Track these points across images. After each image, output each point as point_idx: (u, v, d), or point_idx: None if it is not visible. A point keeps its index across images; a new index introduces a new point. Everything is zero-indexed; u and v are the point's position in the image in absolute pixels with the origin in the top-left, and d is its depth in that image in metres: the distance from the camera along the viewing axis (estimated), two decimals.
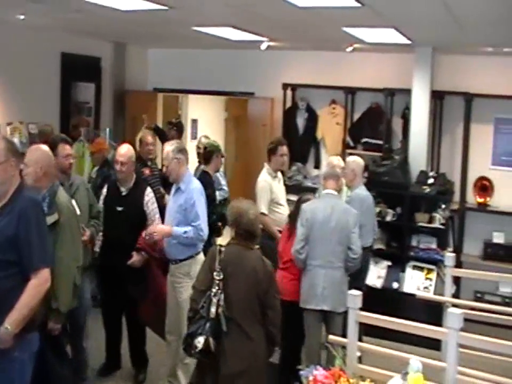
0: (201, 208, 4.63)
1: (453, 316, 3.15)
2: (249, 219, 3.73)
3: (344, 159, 6.53)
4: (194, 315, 3.62)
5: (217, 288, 3.57)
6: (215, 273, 3.60)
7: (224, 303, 3.54)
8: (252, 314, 3.61)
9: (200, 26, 6.57)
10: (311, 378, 3.03)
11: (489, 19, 5.13)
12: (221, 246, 3.75)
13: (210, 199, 5.26)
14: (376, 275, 6.69)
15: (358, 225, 4.87)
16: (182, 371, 4.73)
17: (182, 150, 4.79)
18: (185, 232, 4.58)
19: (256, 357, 3.61)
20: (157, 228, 4.75)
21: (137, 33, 7.72)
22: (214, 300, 3.54)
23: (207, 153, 6.23)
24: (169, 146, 4.78)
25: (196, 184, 4.77)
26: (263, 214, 5.82)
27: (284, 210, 5.99)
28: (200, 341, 3.50)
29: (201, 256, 4.65)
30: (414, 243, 6.81)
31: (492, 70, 7.36)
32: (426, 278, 6.53)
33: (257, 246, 3.86)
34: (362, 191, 5.80)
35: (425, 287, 6.47)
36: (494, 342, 3.32)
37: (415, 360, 3.04)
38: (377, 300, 6.24)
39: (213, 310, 3.52)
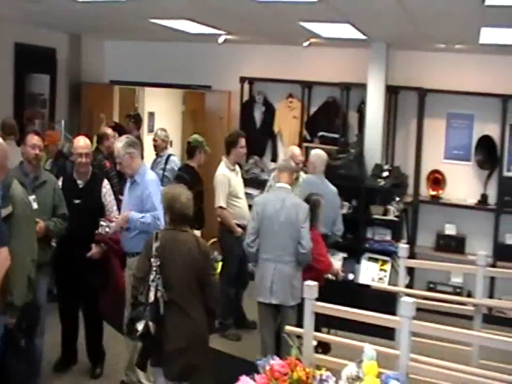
0: (157, 199, 4.59)
1: (405, 304, 3.21)
2: (182, 203, 3.81)
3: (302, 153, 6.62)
4: (135, 301, 3.73)
5: (155, 274, 3.67)
6: (152, 260, 3.69)
7: (163, 287, 3.65)
8: (191, 294, 3.75)
9: (157, 19, 6.53)
10: (267, 367, 3.07)
11: (441, 16, 5.23)
12: (156, 232, 3.83)
13: (196, 191, 5.15)
14: None
15: (308, 220, 4.88)
16: None
17: (133, 144, 4.75)
18: (142, 217, 4.57)
19: (197, 334, 3.77)
20: (113, 223, 4.70)
21: (94, 25, 7.63)
22: (152, 286, 3.64)
23: (191, 148, 6.25)
24: (119, 143, 4.73)
25: (151, 176, 4.76)
26: (221, 207, 5.85)
27: (242, 204, 6.03)
28: (140, 325, 3.62)
29: None
30: (369, 235, 6.92)
31: (444, 66, 7.53)
32: (381, 269, 6.66)
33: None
34: (314, 178, 5.89)
35: (380, 278, 6.60)
36: (444, 329, 3.41)
37: (369, 348, 3.10)
38: (333, 291, 6.37)
39: (151, 295, 3.63)
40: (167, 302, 3.66)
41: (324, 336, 3.56)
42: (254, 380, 3.02)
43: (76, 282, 4.87)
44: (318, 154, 6.06)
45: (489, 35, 5.94)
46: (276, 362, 3.08)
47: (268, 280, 4.81)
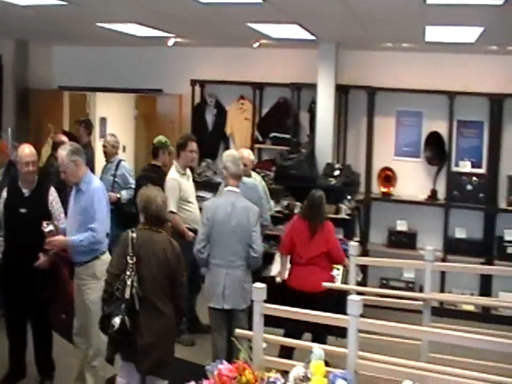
0: (100, 208, 4.54)
1: (353, 302, 3.24)
2: (157, 205, 3.98)
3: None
4: (109, 297, 3.85)
5: (131, 271, 3.82)
6: (128, 257, 3.84)
7: (138, 283, 3.80)
8: (163, 292, 3.91)
9: (104, 23, 6.46)
10: (216, 372, 3.06)
11: (386, 16, 5.30)
12: (132, 232, 3.96)
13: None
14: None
15: (259, 223, 4.91)
16: (90, 374, 4.64)
17: (77, 151, 4.64)
18: (80, 240, 4.49)
19: (167, 329, 3.95)
20: (55, 240, 4.60)
21: (40, 30, 7.50)
22: (128, 282, 3.79)
23: (154, 149, 6.45)
24: (63, 151, 4.60)
25: (97, 184, 4.68)
26: (172, 212, 5.80)
27: (194, 208, 5.99)
28: (116, 321, 3.75)
29: (106, 256, 4.57)
30: None
31: (393, 65, 7.64)
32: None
33: None
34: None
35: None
36: (391, 326, 3.45)
37: (317, 348, 3.12)
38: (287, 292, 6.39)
39: (127, 291, 3.78)
40: (141, 298, 3.81)
41: (272, 338, 3.56)
42: None
43: (23, 294, 4.75)
44: (246, 153, 6.04)
45: (434, 33, 6.05)
46: (224, 366, 3.08)
47: (219, 285, 4.79)
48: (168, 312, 3.94)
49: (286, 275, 5.56)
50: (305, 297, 4.99)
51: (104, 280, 4.02)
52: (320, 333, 5.00)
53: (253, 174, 6.27)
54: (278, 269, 6.01)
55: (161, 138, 6.52)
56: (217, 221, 4.79)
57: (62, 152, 4.59)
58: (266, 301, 3.43)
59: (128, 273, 3.81)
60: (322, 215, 5.49)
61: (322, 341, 4.71)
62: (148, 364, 3.88)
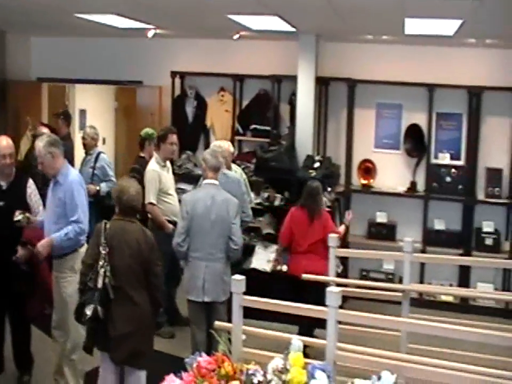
0: (80, 199, 4.51)
1: (331, 294, 3.24)
2: (130, 195, 4.00)
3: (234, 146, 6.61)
4: (84, 287, 3.91)
5: (103, 261, 3.87)
6: (101, 248, 3.90)
7: (111, 273, 3.86)
8: (136, 282, 3.95)
9: (83, 13, 6.38)
10: (194, 365, 3.05)
11: (365, 8, 5.31)
12: (106, 222, 4.01)
13: None
14: (265, 259, 6.79)
15: (239, 216, 4.92)
16: (69, 368, 4.60)
17: (55, 143, 4.58)
18: (65, 234, 4.44)
19: (142, 319, 3.97)
20: (39, 247, 4.50)
21: (18, 21, 7.39)
22: (101, 272, 3.85)
23: (141, 140, 6.58)
24: (40, 142, 4.54)
25: (74, 176, 4.64)
26: (151, 204, 5.78)
27: (173, 200, 5.97)
28: (89, 310, 3.81)
29: (84, 249, 4.55)
30: None
31: (373, 57, 7.65)
32: None
33: None
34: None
35: None
36: (370, 317, 3.47)
37: (296, 340, 3.12)
38: (267, 283, 6.42)
39: (100, 281, 3.84)
40: (114, 288, 3.86)
41: (251, 330, 3.56)
42: (181, 378, 3.00)
43: (1, 287, 4.70)
44: (224, 147, 5.96)
45: (413, 26, 6.06)
46: (202, 359, 3.07)
47: (199, 279, 4.79)
48: (142, 302, 3.96)
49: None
50: (307, 284, 5.05)
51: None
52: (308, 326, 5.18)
53: (234, 166, 6.27)
54: (258, 260, 6.04)
55: (148, 130, 6.62)
56: (197, 214, 4.77)
57: (39, 144, 4.54)
58: (264, 290, 3.43)
59: (100, 263, 3.86)
60: (319, 204, 5.80)
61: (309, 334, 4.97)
62: (122, 353, 3.93)
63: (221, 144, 5.97)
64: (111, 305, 3.86)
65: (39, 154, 4.54)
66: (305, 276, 4.88)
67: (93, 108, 10.41)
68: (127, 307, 3.91)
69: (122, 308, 3.89)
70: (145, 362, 4.05)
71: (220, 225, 4.79)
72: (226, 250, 4.83)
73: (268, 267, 6.77)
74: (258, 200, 7.02)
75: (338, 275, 5.30)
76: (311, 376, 2.93)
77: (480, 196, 7.35)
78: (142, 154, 6.52)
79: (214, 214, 4.78)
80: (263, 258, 6.79)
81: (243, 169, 7.07)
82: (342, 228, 6.14)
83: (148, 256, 3.96)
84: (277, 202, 6.95)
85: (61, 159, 4.60)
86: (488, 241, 7.20)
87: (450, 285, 7.26)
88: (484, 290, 6.87)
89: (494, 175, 7.30)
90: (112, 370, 4.05)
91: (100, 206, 6.29)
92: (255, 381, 3.01)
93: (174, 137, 6.08)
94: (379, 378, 2.93)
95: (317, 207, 5.76)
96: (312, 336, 5.02)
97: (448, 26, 5.98)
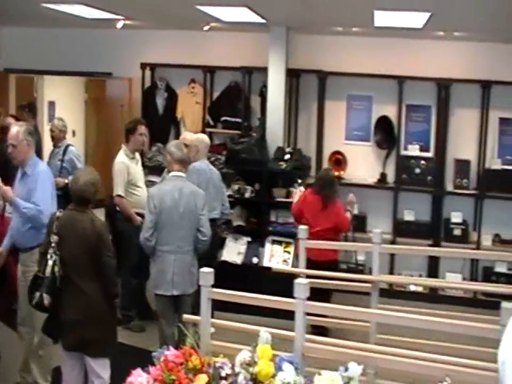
0: (43, 187, 4.45)
1: (299, 286, 3.25)
2: (79, 185, 3.99)
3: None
4: (35, 275, 3.97)
5: (52, 250, 3.91)
6: (51, 237, 3.94)
7: (60, 262, 3.90)
8: (84, 271, 3.95)
9: (50, 3, 6.29)
10: (162, 359, 3.03)
11: (333, 0, 5.31)
12: (59, 212, 4.04)
13: None
14: (236, 251, 6.81)
15: (206, 207, 4.90)
16: (36, 364, 4.56)
17: (32, 133, 4.54)
18: (25, 207, 4.37)
19: (91, 308, 3.96)
20: (3, 187, 4.45)
21: None
22: (50, 261, 3.89)
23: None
24: (19, 127, 4.48)
25: (43, 167, 4.58)
26: (119, 196, 5.73)
27: (142, 192, 5.92)
28: (35, 296, 3.89)
29: None
30: (272, 218, 6.98)
31: (343, 49, 7.68)
32: (285, 251, 6.74)
33: None
34: (202, 163, 5.80)
35: (284, 260, 6.68)
36: (338, 308, 3.48)
37: (264, 332, 3.12)
38: (238, 275, 6.43)
39: (48, 269, 3.88)
40: (63, 277, 3.90)
41: (220, 322, 3.55)
42: (148, 373, 2.98)
43: None
44: (200, 139, 5.94)
45: (382, 18, 6.10)
46: (170, 352, 3.06)
47: (168, 272, 4.76)
48: (91, 292, 3.96)
49: None
50: (320, 266, 5.17)
51: None
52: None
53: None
54: (229, 253, 6.04)
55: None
56: (165, 207, 4.73)
57: (20, 128, 4.46)
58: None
59: (50, 251, 3.91)
60: (335, 192, 6.09)
61: None
62: (71, 340, 3.99)
63: (199, 136, 5.96)
64: (61, 293, 3.92)
65: (15, 137, 4.43)
66: (275, 268, 4.88)
67: (62, 100, 10.27)
68: (76, 296, 3.94)
69: (70, 296, 3.94)
70: (97, 351, 4.05)
71: (188, 218, 4.77)
72: (194, 242, 4.82)
73: (238, 259, 6.78)
74: (229, 193, 6.98)
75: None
76: (279, 368, 2.94)
77: (449, 187, 7.43)
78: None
79: (182, 207, 4.75)
80: (233, 251, 6.79)
81: (214, 161, 7.05)
82: (348, 215, 6.26)
83: (96, 246, 3.94)
84: (247, 194, 6.94)
85: (32, 151, 4.54)
86: (457, 232, 7.30)
87: (420, 275, 7.34)
88: (452, 280, 6.96)
89: (462, 166, 7.39)
90: (76, 360, 4.10)
91: (69, 199, 6.18)
92: (223, 374, 3.00)
93: (143, 128, 6.04)
94: (346, 369, 2.95)
95: (333, 194, 6.03)
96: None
97: (417, 19, 6.03)
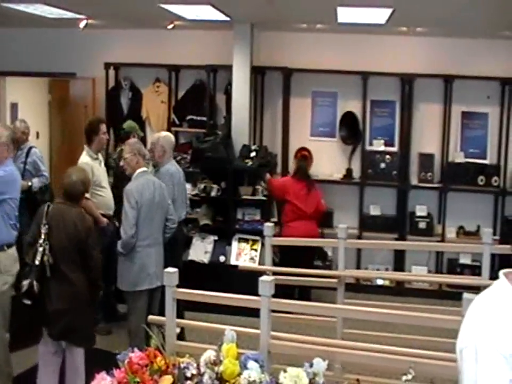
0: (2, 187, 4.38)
1: (264, 283, 3.26)
2: (68, 182, 4.22)
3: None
4: (26, 262, 4.15)
5: (43, 239, 4.06)
6: (41, 227, 4.09)
7: (49, 252, 4.04)
8: (72, 262, 4.12)
9: (9, 3, 6.19)
10: (127, 361, 3.02)
11: None
12: (48, 204, 4.23)
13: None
14: (203, 250, 6.80)
15: (171, 197, 5.15)
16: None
17: (14, 140, 4.57)
18: None
19: (77, 298, 4.13)
20: None
21: None
22: (40, 250, 4.03)
23: (124, 134, 6.62)
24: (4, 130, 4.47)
25: (11, 168, 4.53)
26: (85, 197, 5.65)
27: (106, 193, 5.87)
28: (25, 284, 4.02)
29: (13, 251, 4.44)
30: (239, 216, 6.98)
31: (308, 46, 7.69)
32: (252, 249, 6.75)
33: None
34: (171, 166, 5.77)
35: (251, 258, 6.69)
36: (303, 304, 3.51)
37: (229, 331, 3.13)
38: (206, 274, 6.43)
39: (38, 258, 4.02)
40: (52, 266, 4.04)
41: (185, 322, 3.55)
42: (113, 375, 2.96)
43: None
44: (167, 138, 5.87)
45: (346, 14, 6.13)
46: (134, 355, 3.04)
47: (151, 265, 4.81)
48: (78, 282, 4.13)
49: None
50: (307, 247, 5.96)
51: (8, 275, 4.26)
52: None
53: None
54: (196, 252, 6.03)
55: (130, 122, 6.73)
56: (145, 202, 4.80)
57: None
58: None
59: (40, 241, 4.04)
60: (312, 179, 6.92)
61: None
62: (58, 329, 4.13)
63: (166, 134, 5.98)
64: (49, 282, 4.04)
65: None
66: (241, 266, 4.89)
67: (25, 101, 10.08)
68: (63, 285, 4.08)
69: (58, 285, 4.07)
70: (82, 340, 4.24)
71: (161, 209, 4.95)
72: (164, 232, 5.02)
73: (205, 258, 6.78)
74: (195, 192, 6.97)
75: (275, 264, 5.32)
76: (244, 366, 2.94)
77: (414, 181, 7.52)
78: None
79: (157, 199, 4.90)
80: (200, 250, 6.78)
81: (180, 160, 7.02)
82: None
83: (85, 240, 4.13)
84: (213, 193, 6.93)
85: (11, 156, 4.52)
86: (422, 225, 7.38)
87: (387, 269, 7.42)
88: (418, 273, 7.06)
89: (426, 160, 7.49)
90: (51, 351, 4.24)
91: (33, 202, 6.10)
92: (188, 374, 3.00)
93: (104, 127, 6.00)
94: (311, 365, 2.97)
95: (313, 181, 6.82)
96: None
97: (380, 15, 6.08)
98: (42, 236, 4.06)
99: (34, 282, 4.00)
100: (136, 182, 4.94)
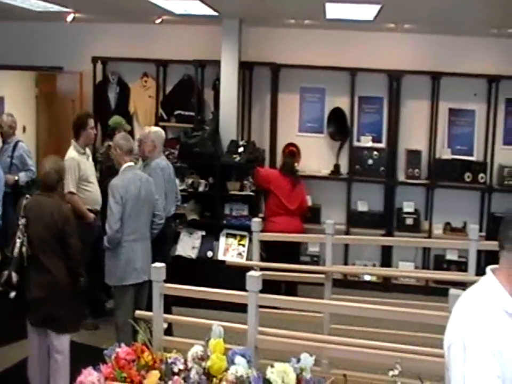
0: None
1: (251, 278, 3.27)
2: (43, 172, 4.32)
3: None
4: (5, 254, 4.30)
5: (21, 232, 4.16)
6: (19, 219, 4.20)
7: (27, 243, 4.15)
8: (51, 251, 4.22)
9: None
10: (114, 356, 3.02)
11: None
12: (27, 196, 4.34)
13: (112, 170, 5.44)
14: (190, 246, 6.80)
15: (162, 192, 5.17)
16: None
17: None
18: None
19: (56, 287, 4.22)
20: None
21: None
22: (18, 242, 4.14)
23: (110, 130, 6.58)
24: None
25: None
26: (71, 193, 5.63)
27: (94, 188, 5.84)
28: (4, 275, 4.13)
29: None
30: (227, 211, 6.97)
31: (296, 42, 7.68)
32: (240, 244, 6.75)
33: None
34: (162, 161, 5.75)
35: (239, 253, 6.69)
36: (291, 300, 3.52)
37: (217, 326, 3.13)
38: (193, 270, 6.42)
39: (16, 250, 4.13)
40: (31, 256, 4.15)
41: (172, 317, 3.55)
42: (100, 371, 2.96)
43: None
44: (158, 133, 5.84)
45: (334, 11, 6.13)
46: (121, 350, 3.04)
47: (138, 260, 4.82)
48: (58, 271, 4.22)
49: None
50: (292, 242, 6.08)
51: None
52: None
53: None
54: (183, 247, 6.02)
55: (116, 118, 6.72)
56: (130, 197, 4.79)
57: None
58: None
59: (18, 233, 4.15)
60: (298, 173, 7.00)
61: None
62: (37, 316, 4.26)
63: (157, 130, 5.95)
64: (28, 272, 4.16)
65: None
66: (229, 261, 4.89)
67: (12, 95, 10.01)
68: (41, 274, 4.19)
69: (37, 275, 4.19)
70: (63, 326, 4.31)
71: (148, 204, 4.94)
72: (151, 227, 5.01)
73: (193, 254, 6.77)
74: (182, 187, 6.95)
75: (262, 259, 5.32)
76: (231, 361, 2.95)
77: (401, 177, 7.55)
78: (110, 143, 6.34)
79: (143, 194, 4.88)
80: (188, 245, 6.77)
81: (168, 155, 6.99)
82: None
83: (62, 228, 4.21)
84: (201, 188, 6.92)
85: None
86: (409, 221, 7.42)
87: (374, 265, 7.44)
88: (405, 269, 7.09)
89: (414, 156, 7.51)
90: (37, 340, 4.36)
91: (18, 197, 6.05)
92: (176, 369, 3.01)
93: (92, 121, 5.98)
94: (298, 360, 2.98)
95: (298, 176, 6.90)
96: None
97: (368, 11, 6.08)
98: (20, 228, 4.16)
99: (13, 273, 4.11)
100: (122, 176, 4.93)
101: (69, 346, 4.39)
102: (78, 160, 5.71)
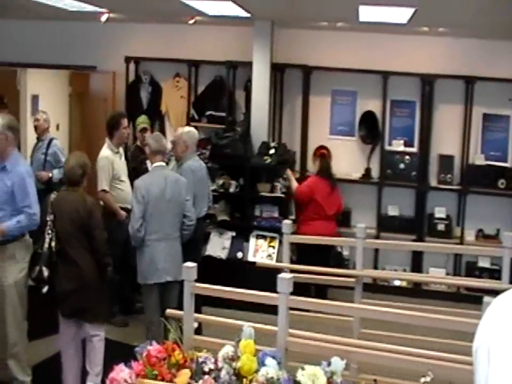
0: (32, 188, 4.46)
1: (282, 280, 3.25)
2: (68, 168, 4.47)
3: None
4: (35, 250, 4.39)
5: (48, 227, 4.32)
6: (47, 216, 4.33)
7: (55, 238, 4.31)
8: (77, 245, 4.36)
9: None
10: (144, 354, 3.02)
11: None
12: (54, 193, 4.48)
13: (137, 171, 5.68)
14: (221, 246, 6.81)
15: (191, 193, 5.09)
16: (13, 362, 4.51)
17: (13, 128, 4.45)
18: (18, 222, 4.35)
19: (83, 278, 4.36)
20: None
21: None
22: (47, 237, 4.29)
23: (143, 129, 6.73)
24: (0, 120, 4.44)
25: (24, 165, 4.55)
26: (104, 191, 5.70)
27: (126, 187, 5.89)
28: (35, 270, 4.29)
29: (28, 239, 4.50)
30: (257, 213, 6.97)
31: (328, 44, 7.66)
32: (270, 246, 6.75)
33: None
34: (194, 162, 5.77)
35: (269, 255, 6.69)
36: (321, 303, 3.49)
37: (247, 327, 3.12)
38: (223, 270, 6.42)
39: (46, 245, 4.29)
40: (59, 251, 4.30)
41: (203, 317, 3.55)
42: (131, 368, 2.97)
43: None
44: (191, 133, 5.86)
45: (367, 13, 6.10)
46: (152, 347, 3.05)
47: (160, 260, 4.84)
48: (85, 264, 4.36)
49: None
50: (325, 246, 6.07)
51: (23, 263, 4.42)
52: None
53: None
54: (213, 247, 6.02)
55: (145, 118, 6.89)
56: (152, 197, 4.82)
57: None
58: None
59: (46, 228, 4.30)
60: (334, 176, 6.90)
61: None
62: (68, 307, 4.39)
63: (190, 130, 5.97)
64: (57, 266, 4.31)
65: None
66: (259, 263, 4.88)
67: (46, 93, 10.15)
68: (69, 267, 4.33)
69: (65, 268, 4.33)
70: (93, 316, 4.45)
71: (174, 205, 4.93)
72: (181, 228, 5.01)
73: (223, 254, 6.78)
74: (213, 187, 6.97)
75: (292, 262, 5.31)
76: (262, 363, 2.94)
77: (433, 182, 7.47)
78: (137, 144, 6.63)
79: (169, 195, 4.89)
80: (218, 245, 6.78)
81: (198, 155, 7.01)
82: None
83: (87, 222, 4.34)
84: (231, 189, 6.94)
85: (13, 146, 4.47)
86: (440, 227, 7.33)
87: (404, 270, 7.37)
88: (435, 275, 7.00)
89: (446, 161, 7.43)
90: (69, 334, 4.48)
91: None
92: (206, 369, 3.00)
93: (125, 121, 6.06)
94: (329, 364, 2.95)
95: (335, 179, 6.80)
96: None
97: (402, 14, 6.04)
98: (48, 224, 4.31)
99: (43, 268, 4.25)
100: (146, 177, 5.01)
101: (103, 331, 4.56)
102: (111, 159, 5.77)
